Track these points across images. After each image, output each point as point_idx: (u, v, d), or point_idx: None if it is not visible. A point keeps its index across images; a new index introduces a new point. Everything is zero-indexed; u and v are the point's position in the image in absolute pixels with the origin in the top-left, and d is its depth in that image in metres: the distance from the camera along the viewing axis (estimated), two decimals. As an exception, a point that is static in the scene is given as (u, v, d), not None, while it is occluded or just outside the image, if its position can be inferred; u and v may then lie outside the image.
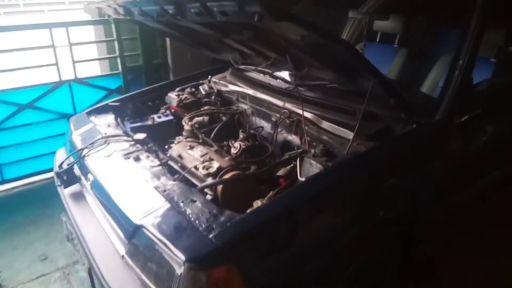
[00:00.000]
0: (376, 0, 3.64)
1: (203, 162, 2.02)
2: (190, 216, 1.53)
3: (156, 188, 1.76)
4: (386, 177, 1.83)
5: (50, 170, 3.61)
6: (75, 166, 2.23)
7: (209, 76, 3.13)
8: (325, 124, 2.14)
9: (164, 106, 2.85)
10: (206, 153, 2.13)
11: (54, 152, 2.64)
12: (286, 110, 2.34)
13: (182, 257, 1.34)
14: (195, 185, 1.86)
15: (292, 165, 2.05)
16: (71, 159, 2.24)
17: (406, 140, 1.92)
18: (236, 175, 1.91)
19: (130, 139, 2.30)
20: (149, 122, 2.63)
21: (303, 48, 1.75)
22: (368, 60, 1.64)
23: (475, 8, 2.09)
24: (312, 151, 1.93)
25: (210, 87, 3.04)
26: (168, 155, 2.23)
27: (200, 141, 2.32)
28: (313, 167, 1.85)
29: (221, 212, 1.55)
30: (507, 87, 2.15)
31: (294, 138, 2.30)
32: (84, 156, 2.15)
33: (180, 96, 2.93)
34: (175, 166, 2.10)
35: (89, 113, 2.75)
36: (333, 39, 1.52)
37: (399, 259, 1.99)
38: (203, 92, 3.00)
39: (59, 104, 3.78)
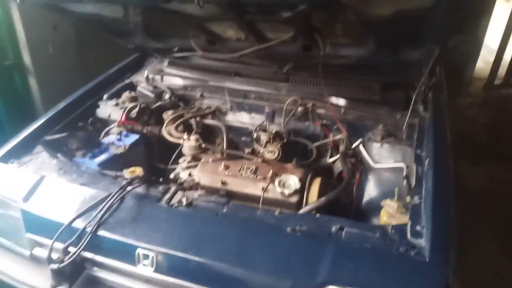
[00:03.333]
0: None
1: (267, 180, 1.62)
2: (366, 248, 1.23)
3: (282, 230, 1.31)
4: None
5: None
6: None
7: (146, 72, 2.41)
8: (348, 104, 2.06)
9: (115, 124, 2.05)
10: (256, 168, 1.71)
11: None
12: (296, 98, 2.09)
13: None
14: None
15: (338, 156, 1.89)
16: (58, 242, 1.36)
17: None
18: (320, 183, 1.64)
19: (127, 180, 1.57)
20: (117, 151, 1.87)
21: (375, 23, 1.60)
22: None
23: None
24: (376, 134, 1.82)
25: (155, 86, 2.36)
26: (191, 183, 1.67)
27: (222, 156, 1.84)
28: (387, 149, 1.77)
29: (380, 228, 1.32)
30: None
31: (312, 125, 2.09)
32: (97, 226, 1.35)
33: (124, 105, 2.17)
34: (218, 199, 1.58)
35: (4, 160, 1.72)
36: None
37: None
38: (151, 95, 2.30)
39: None
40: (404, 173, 1.63)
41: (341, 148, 1.87)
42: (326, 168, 1.96)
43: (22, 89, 3.02)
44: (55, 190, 1.55)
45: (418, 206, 1.39)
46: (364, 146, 1.84)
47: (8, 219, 1.54)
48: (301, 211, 1.50)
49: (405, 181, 1.58)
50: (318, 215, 1.41)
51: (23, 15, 2.79)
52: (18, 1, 1.66)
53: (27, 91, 3.06)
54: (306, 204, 1.56)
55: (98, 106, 2.20)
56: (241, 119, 2.21)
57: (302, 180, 1.62)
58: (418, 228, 1.29)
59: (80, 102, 2.19)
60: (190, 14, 1.75)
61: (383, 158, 1.78)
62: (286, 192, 1.56)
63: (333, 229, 1.31)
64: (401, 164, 1.68)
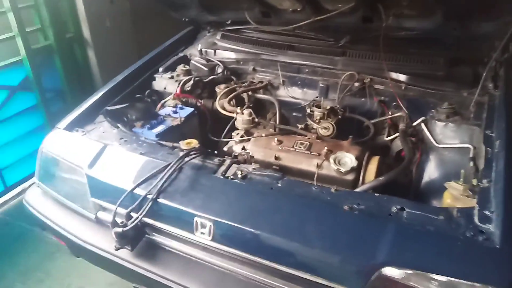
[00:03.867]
0: None
1: (322, 156, 1.59)
2: (428, 230, 1.18)
3: (338, 208, 1.29)
4: None
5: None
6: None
7: (199, 46, 2.42)
8: (409, 80, 1.95)
9: (171, 96, 2.09)
10: (309, 144, 1.69)
11: None
12: (352, 72, 2.01)
13: None
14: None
15: (397, 134, 1.80)
16: (121, 208, 1.44)
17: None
18: (379, 162, 1.58)
19: (184, 151, 1.60)
20: (173, 122, 1.91)
21: None
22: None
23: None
24: (440, 112, 1.71)
25: (208, 60, 2.37)
26: (245, 157, 1.68)
27: (273, 130, 1.83)
28: (452, 129, 1.65)
29: (444, 210, 1.25)
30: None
31: (368, 102, 2.01)
32: (158, 193, 1.41)
33: (178, 78, 2.21)
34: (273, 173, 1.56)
35: (69, 128, 1.81)
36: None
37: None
38: (204, 68, 2.32)
39: None
40: (471, 154, 1.52)
41: (401, 126, 1.78)
42: (382, 147, 1.89)
43: (81, 61, 3.17)
44: (117, 158, 1.63)
45: (487, 189, 1.29)
46: (426, 125, 1.74)
47: (75, 183, 1.64)
48: (358, 189, 1.46)
49: (471, 163, 1.48)
50: (376, 194, 1.36)
51: (82, -11, 2.90)
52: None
53: (86, 62, 3.20)
54: (363, 182, 1.52)
55: (154, 79, 2.25)
56: (293, 94, 2.17)
57: (359, 158, 1.57)
58: (487, 212, 1.21)
59: (137, 74, 2.25)
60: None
61: (448, 138, 1.67)
62: (342, 169, 1.53)
63: (393, 209, 1.26)
64: (468, 145, 1.58)
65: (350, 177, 1.54)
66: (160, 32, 2.74)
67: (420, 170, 1.72)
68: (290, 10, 2.03)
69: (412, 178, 1.72)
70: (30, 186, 1.99)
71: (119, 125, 1.85)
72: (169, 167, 1.47)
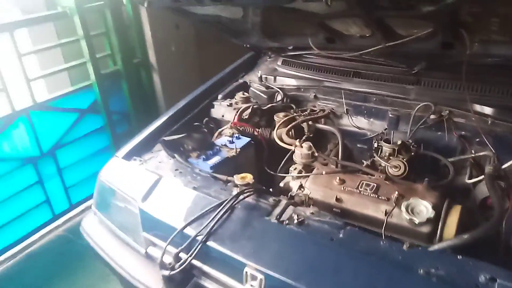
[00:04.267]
0: None
1: (392, 202, 1.40)
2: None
3: (412, 271, 1.10)
4: None
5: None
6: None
7: (259, 72, 2.35)
8: (496, 113, 1.69)
9: (228, 125, 2.03)
10: (377, 186, 1.50)
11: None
12: (428, 103, 1.79)
13: None
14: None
15: (482, 177, 1.54)
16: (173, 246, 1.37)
17: None
18: (461, 212, 1.35)
19: (238, 188, 1.51)
20: (229, 153, 1.84)
21: None
22: None
23: None
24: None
25: (267, 87, 2.29)
26: (303, 198, 1.53)
27: (336, 167, 1.67)
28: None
29: None
30: None
31: (446, 137, 1.77)
32: (208, 235, 1.32)
33: (237, 106, 2.15)
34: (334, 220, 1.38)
35: (127, 157, 1.82)
36: None
37: None
38: (263, 95, 2.24)
39: (14, 145, 2.59)
40: None
41: (488, 168, 1.52)
42: (462, 190, 1.64)
43: (147, 85, 3.27)
44: (170, 192, 1.58)
45: None
46: (521, 167, 1.47)
47: (129, 215, 1.62)
48: (436, 247, 1.24)
49: None
50: (459, 257, 1.14)
51: (150, 17, 3.00)
52: (145, 6, 1.72)
53: (151, 86, 3.30)
54: (441, 237, 1.30)
55: (213, 106, 2.21)
56: (358, 123, 1.99)
57: (437, 207, 1.35)
58: None
59: (197, 101, 2.23)
60: (312, 12, 1.60)
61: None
62: (416, 220, 1.32)
63: (482, 278, 1.04)
64: None
65: (425, 229, 1.32)
66: (222, 56, 2.74)
67: (511, 223, 1.45)
68: (358, 36, 1.89)
69: (502, 231, 1.45)
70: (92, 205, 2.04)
71: (175, 155, 1.82)
72: (221, 206, 1.37)
